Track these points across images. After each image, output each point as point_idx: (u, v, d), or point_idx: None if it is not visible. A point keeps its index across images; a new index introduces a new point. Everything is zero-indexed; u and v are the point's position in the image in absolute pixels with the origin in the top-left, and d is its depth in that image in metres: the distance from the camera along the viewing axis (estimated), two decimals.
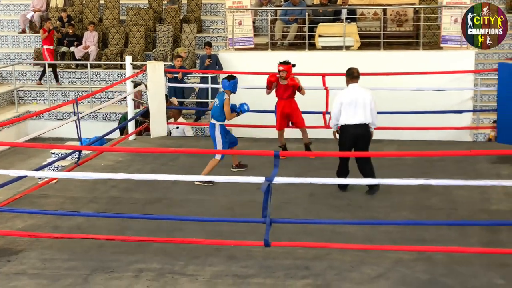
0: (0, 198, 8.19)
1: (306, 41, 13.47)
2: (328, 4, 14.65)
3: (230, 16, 13.74)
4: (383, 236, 6.78)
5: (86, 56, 16.96)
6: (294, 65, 9.62)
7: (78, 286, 5.94)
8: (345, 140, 8.10)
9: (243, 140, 10.95)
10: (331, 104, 10.52)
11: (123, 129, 11.88)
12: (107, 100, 13.89)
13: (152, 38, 17.43)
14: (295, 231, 6.89)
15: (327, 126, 10.57)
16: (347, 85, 8.12)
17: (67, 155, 9.89)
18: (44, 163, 9.69)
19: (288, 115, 9.74)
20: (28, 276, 6.15)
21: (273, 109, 9.98)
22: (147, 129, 11.35)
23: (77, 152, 9.17)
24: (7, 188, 8.00)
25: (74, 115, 9.09)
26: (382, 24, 13.47)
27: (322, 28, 13.75)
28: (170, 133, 11.72)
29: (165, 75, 11.81)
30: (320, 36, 13.68)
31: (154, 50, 16.86)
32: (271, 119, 10.27)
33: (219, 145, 8.71)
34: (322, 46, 13.64)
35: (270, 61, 13.31)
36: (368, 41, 13.62)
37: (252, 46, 13.98)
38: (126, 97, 11.25)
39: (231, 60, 13.64)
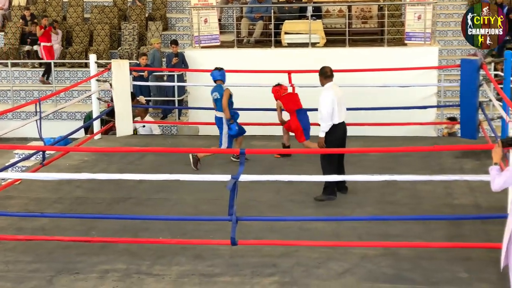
0: None
1: (272, 38, 13.49)
2: (294, 1, 14.69)
3: (195, 14, 13.69)
4: (349, 232, 6.83)
5: None
6: (278, 84, 9.77)
7: None
8: (335, 139, 7.77)
9: (207, 138, 10.97)
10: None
11: (88, 128, 11.76)
12: (72, 99, 13.73)
13: (117, 36, 17.29)
14: (262, 229, 6.91)
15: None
16: (323, 85, 7.91)
17: (31, 155, 9.76)
18: (7, 164, 9.54)
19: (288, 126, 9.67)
20: None
21: (238, 107, 9.96)
22: (113, 128, 11.26)
23: (41, 152, 9.05)
24: None
25: (37, 115, 8.97)
26: (347, 21, 13.54)
27: (287, 25, 13.78)
28: (137, 131, 11.65)
29: (131, 74, 11.73)
30: (286, 33, 13.71)
31: (120, 48, 16.73)
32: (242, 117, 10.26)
33: (225, 139, 8.80)
34: (288, 43, 13.67)
35: (236, 58, 13.37)
36: (334, 38, 13.68)
37: (218, 43, 13.95)
38: (91, 95, 11.14)
39: (197, 58, 13.59)
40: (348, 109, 10.63)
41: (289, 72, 10.97)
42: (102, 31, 17.00)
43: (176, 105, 13.65)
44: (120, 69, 10.75)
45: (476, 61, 9.82)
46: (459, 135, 12.08)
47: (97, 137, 10.87)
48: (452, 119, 12.14)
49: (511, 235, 5.03)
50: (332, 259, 6.27)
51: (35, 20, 17.43)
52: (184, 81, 13.56)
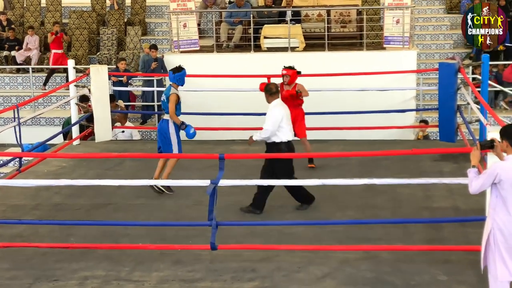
0: None
1: (252, 43, 13.48)
2: (273, 5, 14.71)
3: (174, 19, 13.65)
4: (329, 236, 6.83)
5: (27, 61, 16.61)
6: (299, 72, 9.15)
7: None
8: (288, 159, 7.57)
9: (188, 143, 10.91)
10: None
11: (66, 134, 11.67)
12: (50, 105, 13.63)
13: (95, 42, 17.19)
14: (243, 233, 6.90)
15: None
16: (269, 102, 7.67)
17: (8, 161, 9.67)
18: None
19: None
20: None
21: (217, 111, 9.94)
22: (92, 134, 11.17)
23: (18, 159, 8.97)
24: None
25: (15, 121, 8.89)
26: (326, 25, 13.58)
27: (267, 29, 13.80)
28: (117, 137, 11.59)
29: (110, 79, 11.65)
30: (265, 37, 13.73)
31: (98, 53, 16.63)
32: (216, 121, 10.25)
33: (174, 143, 8.08)
34: (267, 47, 13.69)
35: (215, 63, 13.36)
36: (313, 42, 13.72)
37: (198, 48, 13.92)
38: (69, 101, 11.06)
39: (176, 63, 13.47)
40: (327, 113, 10.78)
41: (269, 77, 10.95)
42: (81, 36, 16.89)
43: (156, 110, 13.60)
44: (99, 74, 10.68)
45: (454, 64, 9.88)
46: (432, 138, 12.20)
47: (75, 142, 10.79)
48: (425, 122, 12.24)
49: (489, 237, 5.06)
50: (313, 263, 6.27)
51: (12, 26, 17.29)
52: (164, 86, 13.51)
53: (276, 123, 7.50)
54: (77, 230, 7.10)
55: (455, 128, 9.90)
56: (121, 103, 12.67)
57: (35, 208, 7.98)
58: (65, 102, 11.92)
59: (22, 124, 9.08)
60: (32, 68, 15.95)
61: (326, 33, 13.41)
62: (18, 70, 16.51)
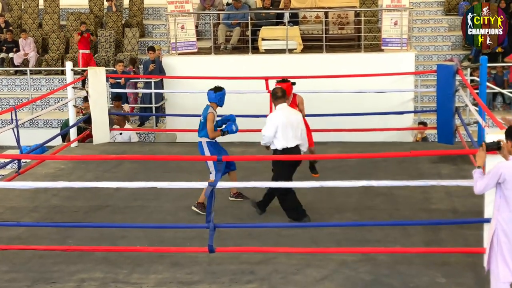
0: None
1: (249, 45, 13.49)
2: (271, 7, 14.72)
3: (172, 21, 13.66)
4: (327, 238, 6.83)
5: (25, 63, 16.60)
6: (294, 83, 8.53)
7: None
8: (289, 164, 7.30)
9: (186, 146, 10.93)
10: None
11: (65, 136, 11.66)
12: (48, 107, 13.61)
13: (93, 43, 17.17)
14: (241, 235, 6.89)
15: None
16: (275, 106, 7.53)
17: (7, 163, 9.65)
18: None
19: None
20: None
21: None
22: (90, 136, 11.16)
23: (17, 161, 8.96)
24: None
25: (13, 123, 8.88)
26: (324, 27, 13.58)
27: (265, 31, 13.80)
28: (115, 139, 11.58)
29: (107, 81, 11.64)
30: (263, 39, 13.73)
31: (96, 55, 16.62)
32: None
33: (212, 165, 7.51)
34: (265, 49, 13.69)
35: (213, 65, 13.36)
36: (311, 44, 13.72)
37: (195, 50, 13.92)
38: (67, 103, 11.04)
39: (174, 65, 13.56)
40: (325, 115, 10.76)
41: (266, 79, 10.96)
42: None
43: (154, 112, 13.59)
44: (97, 76, 10.68)
45: (452, 66, 9.88)
46: (430, 140, 12.20)
47: (73, 145, 10.77)
48: (423, 124, 12.25)
49: (493, 238, 5.05)
50: (311, 266, 6.27)
51: (10, 28, 17.28)
52: (162, 88, 13.51)
53: (270, 129, 7.29)
54: (75, 232, 7.09)
55: (453, 130, 9.90)
56: (126, 106, 12.66)
57: (33, 210, 7.97)
58: (63, 104, 11.91)
59: (20, 126, 9.08)
60: (30, 70, 15.93)
61: (324, 35, 13.41)
62: (16, 72, 16.49)
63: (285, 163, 7.27)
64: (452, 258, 6.30)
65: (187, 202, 7.89)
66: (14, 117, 8.88)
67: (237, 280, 6.04)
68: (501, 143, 5.17)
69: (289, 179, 7.31)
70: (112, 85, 13.06)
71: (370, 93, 11.62)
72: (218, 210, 7.22)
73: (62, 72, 15.88)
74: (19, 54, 16.56)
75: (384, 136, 11.50)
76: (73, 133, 10.96)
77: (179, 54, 13.68)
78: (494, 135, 5.62)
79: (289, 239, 6.80)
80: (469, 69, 13.49)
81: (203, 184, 6.21)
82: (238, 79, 11.26)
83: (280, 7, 14.89)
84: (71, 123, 10.94)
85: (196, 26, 15.07)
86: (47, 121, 14.77)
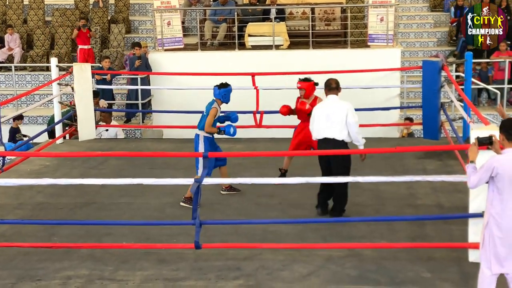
0: None
1: (236, 41, 13.47)
2: (257, 3, 14.70)
3: (158, 16, 13.60)
4: (314, 234, 6.84)
5: (10, 59, 16.48)
6: (317, 84, 8.30)
7: None
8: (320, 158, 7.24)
9: (172, 142, 10.91)
10: (261, 103, 10.62)
11: (52, 132, 11.57)
12: (33, 103, 13.52)
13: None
14: (227, 232, 6.89)
15: (258, 126, 10.61)
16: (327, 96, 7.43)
17: None
18: None
19: (308, 144, 8.21)
20: None
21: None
22: (76, 132, 11.10)
23: (1, 158, 8.89)
24: None
25: None
26: (310, 23, 13.59)
27: (251, 27, 13.78)
28: (101, 135, 11.53)
29: (93, 77, 11.58)
30: (249, 35, 13.71)
31: None
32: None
33: (200, 165, 7.41)
34: (251, 45, 13.67)
35: (200, 61, 13.33)
36: (297, 40, 13.72)
37: (182, 46, 13.88)
38: (52, 99, 10.97)
39: (160, 61, 13.51)
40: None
41: (253, 75, 10.96)
42: (64, 34, 16.78)
43: (140, 108, 13.54)
44: (82, 72, 10.62)
45: (437, 62, 9.92)
46: (416, 135, 12.24)
47: (59, 141, 10.71)
48: (409, 120, 12.29)
49: (485, 231, 5.07)
50: (297, 262, 6.27)
51: None
52: (148, 84, 13.47)
53: (312, 122, 7.38)
54: (60, 229, 7.05)
55: (439, 126, 9.94)
56: (102, 102, 12.59)
57: (18, 207, 7.92)
58: (49, 101, 11.83)
59: (4, 122, 9.00)
60: (15, 67, 15.81)
61: (310, 31, 13.42)
62: (0, 69, 16.37)
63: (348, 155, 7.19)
64: (437, 253, 6.32)
65: (173, 198, 7.87)
66: None
67: (223, 277, 6.03)
68: (493, 137, 5.19)
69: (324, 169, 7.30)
70: (98, 82, 13.00)
71: (356, 89, 11.63)
72: (204, 206, 7.24)
73: (47, 68, 15.78)
74: (3, 50, 16.44)
75: (370, 132, 11.48)
76: (58, 129, 10.89)
77: (166, 50, 13.63)
78: (479, 130, 5.65)
79: (275, 236, 6.81)
80: (454, 65, 13.54)
81: (190, 181, 6.20)
82: (225, 75, 11.23)
83: (266, 3, 14.88)
84: (56, 120, 10.87)
85: (183, 22, 15.03)
86: (32, 117, 14.67)
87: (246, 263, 6.27)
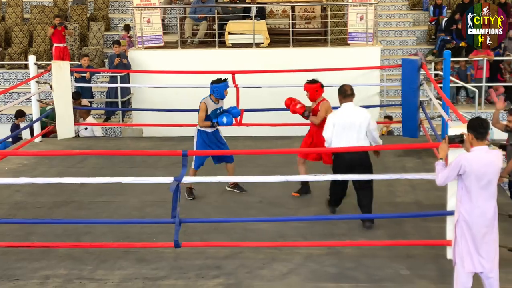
0: None
1: (216, 39, 13.45)
2: (237, 1, 14.69)
3: (138, 14, 13.54)
4: (294, 232, 6.85)
5: None
6: (322, 86, 8.07)
7: None
8: (342, 165, 6.82)
9: (151, 140, 10.87)
10: (241, 102, 10.61)
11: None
12: (11, 101, 13.39)
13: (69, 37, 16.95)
14: (207, 230, 6.87)
15: (238, 124, 10.58)
16: (341, 104, 7.28)
17: None
18: None
19: (317, 153, 7.83)
20: None
21: (182, 107, 9.88)
22: (54, 131, 11.01)
23: None
24: None
25: None
26: (290, 21, 13.61)
27: (231, 25, 13.77)
28: (79, 134, 11.45)
29: (72, 75, 11.49)
30: (230, 33, 13.70)
31: None
32: (181, 117, 10.19)
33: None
34: (232, 43, 13.65)
35: (180, 59, 13.28)
36: (278, 38, 13.74)
37: (162, 44, 13.83)
38: (30, 97, 10.88)
39: (140, 59, 13.45)
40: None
41: (233, 73, 10.94)
42: (42, 31, 16.65)
43: (120, 106, 13.47)
44: (61, 70, 10.54)
45: (416, 61, 9.97)
46: (396, 133, 12.30)
47: (37, 139, 10.63)
48: (389, 118, 12.35)
49: (456, 229, 5.11)
50: (277, 260, 6.28)
51: None
52: (128, 82, 13.40)
53: (327, 130, 7.04)
54: (39, 228, 6.99)
55: (418, 124, 9.99)
56: (85, 101, 12.50)
57: None
58: (27, 99, 11.73)
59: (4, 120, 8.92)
60: None
61: (290, 29, 13.43)
62: None
63: (339, 166, 6.88)
64: (416, 250, 6.36)
65: (153, 197, 7.84)
66: None
67: (203, 275, 6.02)
68: (464, 136, 5.23)
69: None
70: (77, 80, 12.91)
71: (337, 87, 11.63)
72: (184, 205, 7.22)
73: (26, 66, 15.62)
74: None
75: None
76: (36, 127, 10.80)
77: (145, 48, 13.57)
78: (456, 128, 5.69)
79: (255, 234, 6.80)
80: (433, 64, 13.63)
81: (168, 179, 6.17)
82: (205, 73, 11.22)
83: (247, 1, 14.88)
84: (34, 118, 10.78)
85: (163, 20, 14.98)
86: (10, 115, 14.51)
87: (226, 262, 6.26)
